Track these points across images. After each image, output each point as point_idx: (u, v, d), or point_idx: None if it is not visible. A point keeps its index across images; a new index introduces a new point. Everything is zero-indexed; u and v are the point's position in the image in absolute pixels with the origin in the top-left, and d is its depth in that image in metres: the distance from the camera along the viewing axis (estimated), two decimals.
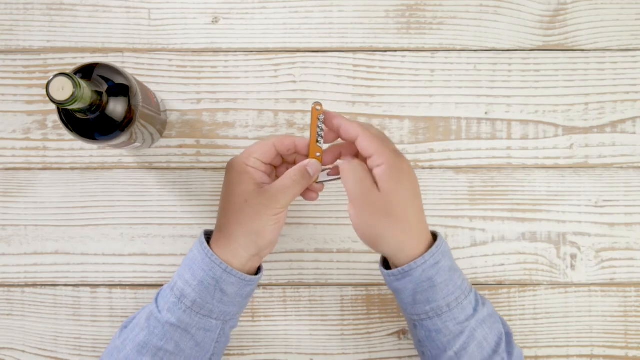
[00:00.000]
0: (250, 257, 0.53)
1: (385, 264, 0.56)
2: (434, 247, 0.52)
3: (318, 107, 0.53)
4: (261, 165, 0.53)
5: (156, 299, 0.53)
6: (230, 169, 0.54)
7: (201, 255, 0.52)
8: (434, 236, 0.54)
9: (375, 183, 0.51)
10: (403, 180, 0.51)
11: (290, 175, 0.53)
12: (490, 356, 0.52)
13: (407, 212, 0.51)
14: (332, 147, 0.55)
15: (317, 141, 0.54)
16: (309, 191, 0.55)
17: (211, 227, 0.66)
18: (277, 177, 0.55)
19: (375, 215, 0.51)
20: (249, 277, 0.53)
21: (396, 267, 0.53)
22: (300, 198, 0.55)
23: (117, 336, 0.54)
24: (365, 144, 0.51)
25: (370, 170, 0.51)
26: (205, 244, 0.53)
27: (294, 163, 0.56)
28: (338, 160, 0.55)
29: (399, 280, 0.53)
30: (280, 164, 0.57)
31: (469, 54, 0.66)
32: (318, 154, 0.54)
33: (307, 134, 0.66)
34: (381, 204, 0.50)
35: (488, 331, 0.53)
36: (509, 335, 0.56)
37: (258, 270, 0.56)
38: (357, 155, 0.54)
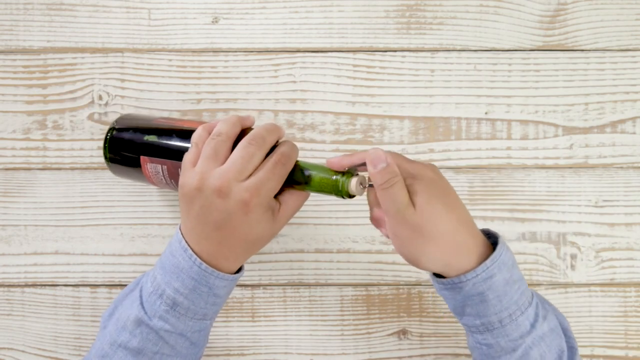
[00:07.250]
0: None
1: None
2: (488, 260, 0.47)
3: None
4: None
5: (142, 303, 0.50)
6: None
7: (188, 264, 0.49)
8: (496, 243, 0.49)
9: (412, 202, 0.47)
10: (437, 198, 0.47)
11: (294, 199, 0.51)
12: None
13: (438, 229, 0.47)
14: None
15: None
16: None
17: None
18: None
19: (410, 237, 0.47)
20: (238, 274, 0.52)
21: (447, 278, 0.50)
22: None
23: (105, 341, 0.51)
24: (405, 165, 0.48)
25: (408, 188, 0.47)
26: (195, 255, 0.49)
27: None
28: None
29: (447, 289, 0.50)
30: None
31: (469, 54, 0.66)
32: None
33: (307, 135, 0.66)
34: (414, 224, 0.47)
35: (546, 349, 0.48)
36: (572, 351, 0.51)
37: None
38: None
